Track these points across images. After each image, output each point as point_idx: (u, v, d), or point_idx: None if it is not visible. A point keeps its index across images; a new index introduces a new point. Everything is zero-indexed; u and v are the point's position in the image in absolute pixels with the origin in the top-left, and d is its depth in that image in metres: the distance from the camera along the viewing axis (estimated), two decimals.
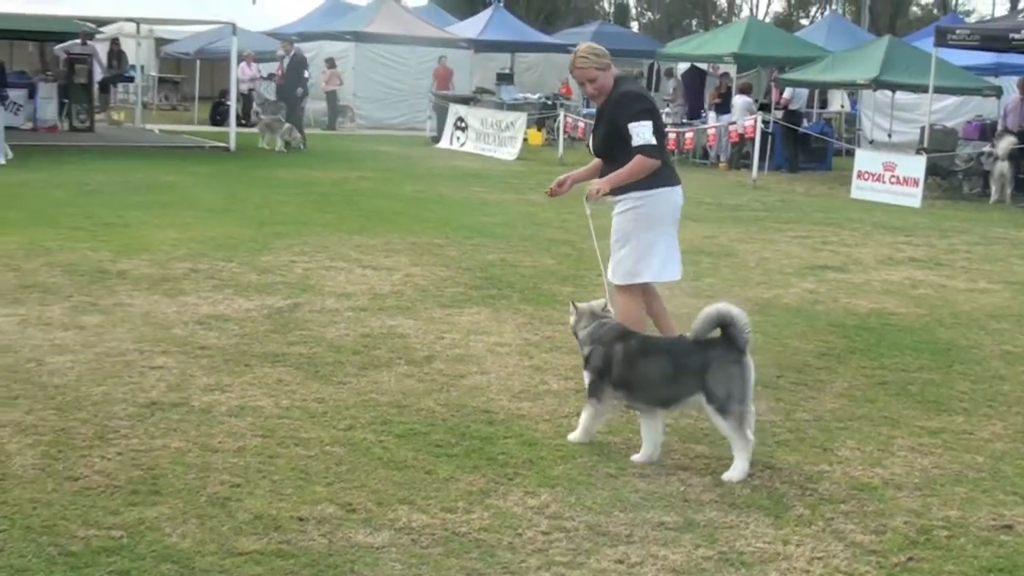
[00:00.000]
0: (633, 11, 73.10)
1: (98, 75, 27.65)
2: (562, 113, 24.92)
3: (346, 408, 6.11)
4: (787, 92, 23.96)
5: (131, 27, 30.76)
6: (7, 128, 18.85)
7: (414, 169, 20.56)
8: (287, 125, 23.22)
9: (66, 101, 24.74)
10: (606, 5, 73.43)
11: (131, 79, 30.75)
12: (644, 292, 6.79)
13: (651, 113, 6.55)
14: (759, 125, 20.73)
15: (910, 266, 11.77)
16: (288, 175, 18.11)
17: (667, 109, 27.47)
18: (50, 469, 5.04)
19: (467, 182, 18.52)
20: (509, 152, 23.93)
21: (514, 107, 28.33)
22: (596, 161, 6.89)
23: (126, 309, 8.20)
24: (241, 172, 18.28)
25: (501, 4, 39.84)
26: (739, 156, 23.35)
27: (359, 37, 32.10)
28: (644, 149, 6.42)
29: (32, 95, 23.95)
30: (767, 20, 61.08)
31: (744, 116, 22.41)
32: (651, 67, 33.35)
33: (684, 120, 26.05)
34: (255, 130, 24.23)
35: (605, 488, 5.14)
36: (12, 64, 29.19)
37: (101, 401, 6.02)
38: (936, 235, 14.19)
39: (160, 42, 36.16)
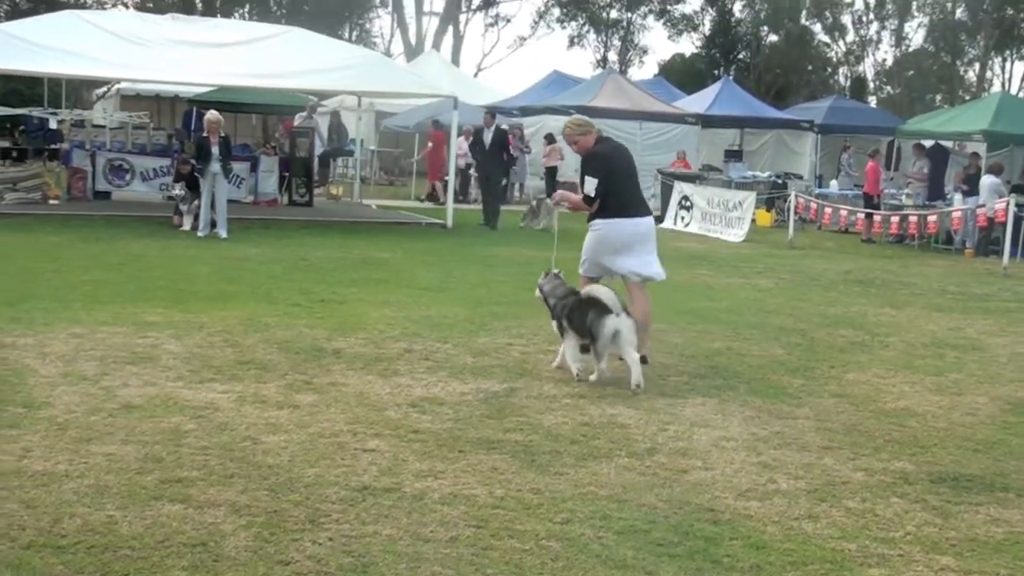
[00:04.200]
0: (871, 85, 71.87)
1: (318, 149, 28.69)
2: (793, 193, 24.63)
3: (563, 500, 6.11)
4: None
5: (352, 100, 31.95)
6: (229, 201, 19.71)
7: None
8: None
9: (286, 175, 25.69)
10: (842, 79, 72.48)
11: (351, 153, 31.73)
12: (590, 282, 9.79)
13: (596, 171, 9.60)
14: (1011, 208, 20.02)
15: None
16: (506, 253, 18.38)
17: (907, 190, 26.81)
18: (262, 552, 5.18)
19: (691, 264, 18.44)
20: (736, 233, 23.77)
21: (742, 186, 28.17)
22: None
23: (340, 389, 8.44)
24: (457, 250, 18.67)
25: (730, 78, 39.77)
26: (987, 242, 22.55)
27: (583, 111, 32.44)
28: (585, 197, 9.69)
29: (254, 168, 24.87)
30: (1022, 95, 59.17)
31: (994, 198, 21.68)
32: (891, 144, 32.69)
33: (926, 202, 25.38)
34: (473, 207, 24.67)
35: None
36: (236, 137, 30.68)
37: (313, 483, 6.18)
38: None
39: (380, 115, 37.39)
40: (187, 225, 19.45)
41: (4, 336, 9.68)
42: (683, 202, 26.18)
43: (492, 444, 7.13)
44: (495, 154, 24.18)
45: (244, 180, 24.30)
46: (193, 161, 20.14)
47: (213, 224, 18.87)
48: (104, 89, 43.70)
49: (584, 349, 9.19)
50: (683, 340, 11.22)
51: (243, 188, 24.30)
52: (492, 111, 25.75)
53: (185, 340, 9.91)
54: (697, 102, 36.59)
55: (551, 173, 31.57)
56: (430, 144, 31.55)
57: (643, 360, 9.16)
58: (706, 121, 34.00)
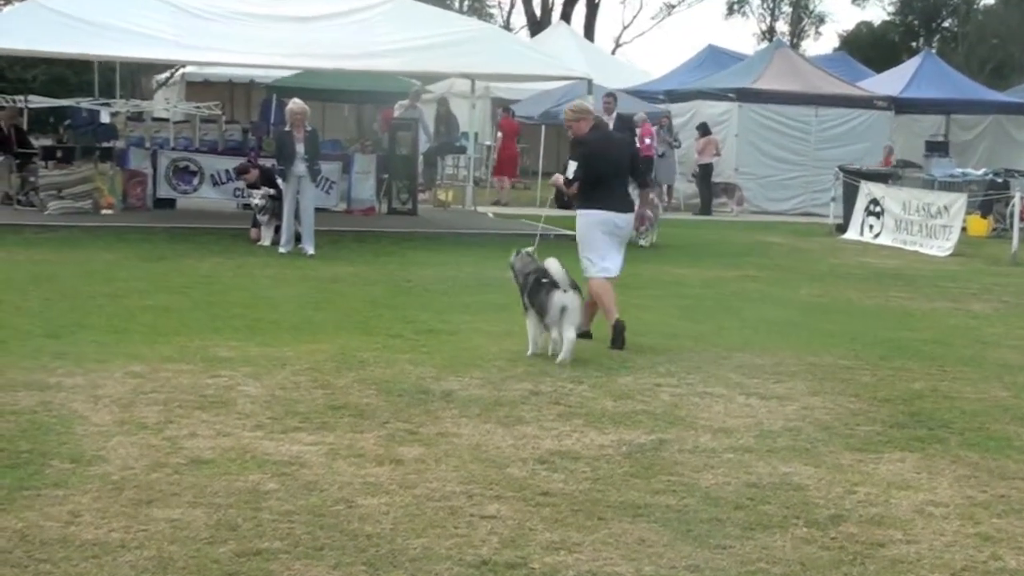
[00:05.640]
0: None
1: (423, 145, 28.79)
2: (1018, 195, 24.14)
3: None
4: None
5: (463, 85, 32.07)
6: (317, 210, 19.88)
7: (812, 267, 20.43)
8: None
9: (385, 177, 25.82)
10: None
11: (462, 149, 31.78)
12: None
13: (579, 156, 12.15)
14: None
15: None
16: (649, 273, 18.33)
17: None
18: None
19: (883, 284, 18.23)
20: (941, 246, 23.41)
21: (949, 186, 27.71)
22: None
23: (452, 440, 8.47)
24: None
25: (932, 51, 39.17)
26: None
27: (744, 96, 32.29)
28: (565, 180, 12.28)
29: (346, 169, 24.97)
30: None
31: None
32: None
33: None
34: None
35: None
36: (324, 131, 30.93)
37: (420, 557, 6.21)
38: None
39: (497, 103, 37.52)
40: (267, 240, 19.72)
41: (48, 375, 9.91)
42: (871, 207, 25.85)
43: (638, 509, 7.10)
44: None
45: (335, 184, 24.43)
46: (262, 164, 20.35)
47: (298, 238, 19.13)
48: (166, 75, 44.61)
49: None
50: (875, 380, 11.07)
51: (334, 193, 24.48)
52: (613, 94, 24.99)
53: (265, 380, 10.06)
54: (889, 82, 36.21)
55: (705, 172, 31.41)
56: (499, 135, 31.63)
57: (587, 335, 12.17)
58: (901, 106, 33.59)
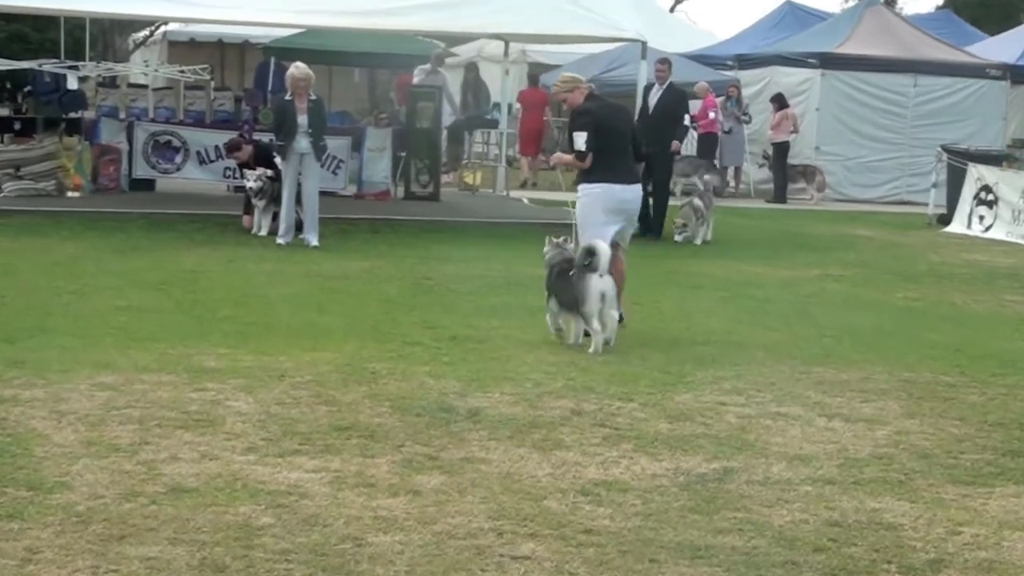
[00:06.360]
0: None
1: (447, 117, 28.74)
2: None
3: None
4: None
5: (495, 47, 32.02)
6: (322, 194, 19.94)
7: (908, 265, 20.38)
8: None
9: (402, 155, 25.69)
10: None
11: (493, 123, 31.69)
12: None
13: (587, 125, 12.98)
14: None
15: None
16: (713, 270, 18.31)
17: None
18: None
19: (996, 286, 18.20)
20: None
21: None
22: None
23: (479, 467, 8.47)
24: (644, 263, 18.51)
25: None
26: None
27: (827, 61, 32.14)
28: (576, 154, 13.11)
29: (357, 146, 24.88)
30: None
31: None
32: None
33: None
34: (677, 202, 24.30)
35: None
36: (332, 101, 30.90)
37: None
38: None
39: (535, 68, 37.41)
40: (263, 229, 19.73)
41: (2, 386, 9.94)
42: (982, 194, 25.72)
43: (698, 551, 7.09)
44: (662, 124, 21.78)
45: (343, 163, 24.37)
46: (257, 139, 20.29)
47: (299, 227, 19.15)
48: (145, 33, 44.72)
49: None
50: (984, 399, 11.02)
51: (342, 175, 24.46)
52: (668, 60, 23.91)
53: (259, 394, 10.08)
54: (1004, 47, 36.03)
55: (780, 152, 31.27)
56: (518, 106, 31.58)
57: (619, 319, 12.77)
58: (1019, 75, 33.34)
